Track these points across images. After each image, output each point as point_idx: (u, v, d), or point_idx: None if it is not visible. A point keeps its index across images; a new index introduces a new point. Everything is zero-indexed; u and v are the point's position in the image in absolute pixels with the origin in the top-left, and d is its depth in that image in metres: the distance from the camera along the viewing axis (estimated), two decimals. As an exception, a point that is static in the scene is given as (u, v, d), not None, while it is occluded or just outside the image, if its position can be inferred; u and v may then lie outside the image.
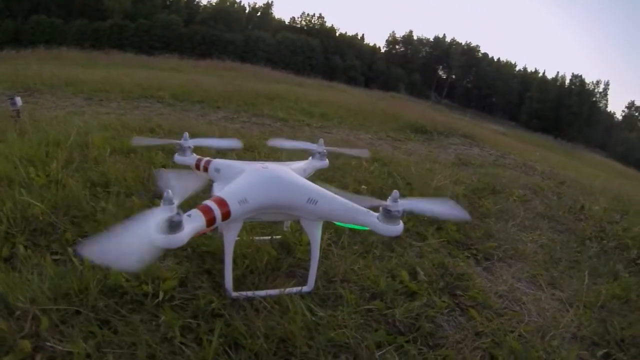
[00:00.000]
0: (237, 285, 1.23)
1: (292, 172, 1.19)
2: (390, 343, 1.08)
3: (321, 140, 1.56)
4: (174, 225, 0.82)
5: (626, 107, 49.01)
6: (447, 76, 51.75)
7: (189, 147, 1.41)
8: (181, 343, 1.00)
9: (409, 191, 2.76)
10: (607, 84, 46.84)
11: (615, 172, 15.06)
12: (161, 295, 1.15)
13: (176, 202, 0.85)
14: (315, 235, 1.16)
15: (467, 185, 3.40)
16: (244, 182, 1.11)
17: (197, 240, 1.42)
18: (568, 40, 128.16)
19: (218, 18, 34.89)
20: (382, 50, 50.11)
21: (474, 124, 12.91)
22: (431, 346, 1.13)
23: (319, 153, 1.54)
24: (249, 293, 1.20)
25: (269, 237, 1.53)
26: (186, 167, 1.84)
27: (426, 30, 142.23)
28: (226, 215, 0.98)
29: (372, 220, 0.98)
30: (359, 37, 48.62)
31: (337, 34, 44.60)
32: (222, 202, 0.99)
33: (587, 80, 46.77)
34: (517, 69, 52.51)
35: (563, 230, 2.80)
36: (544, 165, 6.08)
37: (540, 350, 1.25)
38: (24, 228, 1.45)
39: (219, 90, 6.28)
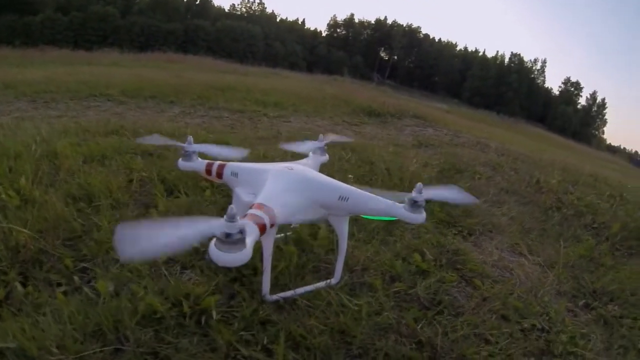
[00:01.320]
0: (270, 288, 1.25)
1: (317, 172, 1.30)
2: (423, 318, 1.27)
3: (321, 136, 1.64)
4: (239, 242, 0.80)
5: (562, 82, 53.62)
6: (389, 57, 53.52)
7: (194, 151, 1.36)
8: (246, 357, 1.03)
9: (388, 177, 2.97)
10: (544, 62, 51.99)
11: (556, 144, 16.58)
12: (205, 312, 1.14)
13: (239, 218, 0.83)
14: (343, 230, 1.25)
15: (434, 167, 3.69)
16: (278, 186, 1.12)
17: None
18: (507, 21, 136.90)
19: (156, 8, 33.43)
20: (324, 35, 51.16)
21: (419, 103, 13.57)
22: (455, 315, 1.34)
23: (320, 148, 1.60)
24: (288, 293, 1.24)
25: (282, 235, 1.59)
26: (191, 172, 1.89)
27: (367, 13, 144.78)
28: (273, 221, 0.99)
29: (400, 211, 1.10)
30: (300, 22, 49.47)
31: (277, 20, 44.95)
32: (267, 209, 0.99)
33: (526, 59, 51.07)
34: (458, 48, 55.48)
35: (527, 202, 3.17)
36: (496, 142, 6.63)
37: (537, 306, 1.51)
38: (13, 261, 1.29)
39: (170, 84, 6.13)
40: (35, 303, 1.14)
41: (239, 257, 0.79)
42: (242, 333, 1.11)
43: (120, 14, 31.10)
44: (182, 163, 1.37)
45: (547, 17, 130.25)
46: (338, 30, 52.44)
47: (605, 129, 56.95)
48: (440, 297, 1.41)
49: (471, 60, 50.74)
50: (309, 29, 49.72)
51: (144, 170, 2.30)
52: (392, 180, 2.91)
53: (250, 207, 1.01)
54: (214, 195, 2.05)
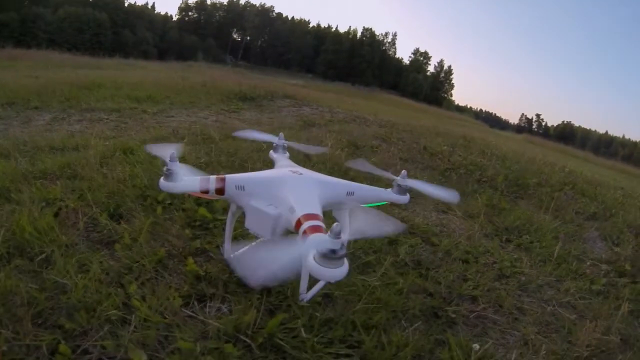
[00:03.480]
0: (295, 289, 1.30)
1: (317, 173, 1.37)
2: (420, 276, 1.61)
3: (281, 134, 1.69)
4: (342, 257, 0.83)
5: (412, 53, 61.90)
6: (242, 38, 53.73)
7: (177, 170, 1.14)
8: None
9: (309, 162, 3.24)
10: (395, 35, 58.94)
11: (412, 108, 18.97)
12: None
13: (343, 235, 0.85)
14: (346, 222, 1.32)
15: (339, 147, 4.08)
16: (303, 192, 1.16)
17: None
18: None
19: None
20: (175, 19, 49.75)
21: (285, 82, 14.12)
22: (436, 268, 1.71)
23: (282, 146, 1.66)
24: (315, 289, 1.30)
25: None
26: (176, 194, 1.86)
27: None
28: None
29: (391, 195, 1.36)
30: (150, 7, 47.26)
31: (125, 5, 41.59)
32: (319, 216, 1.05)
33: (377, 32, 57.25)
34: (311, 25, 58.44)
35: (425, 168, 3.81)
36: (371, 115, 7.43)
37: (479, 247, 2.00)
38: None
39: (27, 87, 5.31)
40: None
41: (343, 271, 0.83)
42: (325, 338, 1.16)
43: None
44: (165, 184, 1.13)
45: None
46: (190, 13, 51.41)
47: (453, 91, 67.18)
48: (418, 258, 1.77)
49: (324, 36, 54.05)
50: (159, 14, 48.10)
51: (66, 199, 2.06)
52: (311, 161, 3.15)
53: (300, 220, 1.03)
54: (167, 212, 2.02)
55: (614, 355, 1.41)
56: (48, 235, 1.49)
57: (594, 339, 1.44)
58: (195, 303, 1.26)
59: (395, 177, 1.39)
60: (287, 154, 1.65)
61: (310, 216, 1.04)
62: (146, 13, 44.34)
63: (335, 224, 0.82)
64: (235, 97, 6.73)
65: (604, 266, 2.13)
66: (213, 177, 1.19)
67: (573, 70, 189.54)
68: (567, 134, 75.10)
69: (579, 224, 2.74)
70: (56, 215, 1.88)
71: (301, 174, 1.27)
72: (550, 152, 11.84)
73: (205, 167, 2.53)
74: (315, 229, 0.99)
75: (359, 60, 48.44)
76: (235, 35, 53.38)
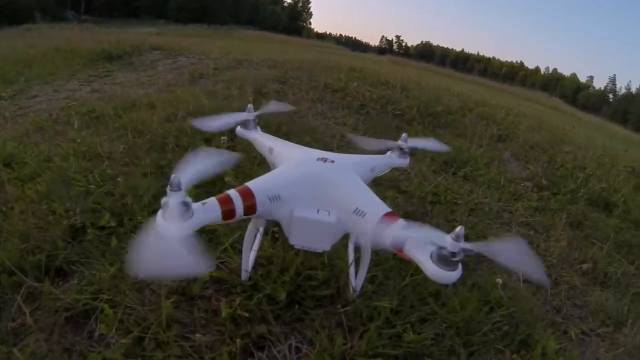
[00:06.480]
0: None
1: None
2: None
3: (250, 106, 1.49)
4: (460, 261, 0.83)
5: None
6: (82, -9, 45.55)
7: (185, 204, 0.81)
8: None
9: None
10: None
11: (276, 41, 18.69)
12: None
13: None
14: None
15: (244, 97, 3.92)
16: (352, 186, 1.11)
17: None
18: None
19: None
20: None
21: (129, 32, 12.68)
22: (423, 221, 1.91)
23: (254, 120, 1.47)
24: (361, 277, 1.21)
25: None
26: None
27: None
28: None
29: (394, 160, 1.37)
30: None
31: None
32: (395, 215, 1.01)
33: None
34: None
35: (339, 107, 3.93)
36: (254, 56, 7.18)
37: (439, 185, 2.26)
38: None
39: None
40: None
41: (459, 273, 0.83)
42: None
43: None
44: (168, 226, 0.82)
45: None
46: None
47: (312, 20, 67.45)
48: (404, 211, 1.93)
49: (172, -21, 48.46)
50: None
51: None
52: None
53: (380, 222, 0.96)
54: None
55: (573, 255, 1.80)
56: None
57: (555, 249, 1.81)
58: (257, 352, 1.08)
59: (393, 143, 1.40)
60: (259, 128, 1.45)
61: (389, 217, 0.96)
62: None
63: (460, 226, 0.80)
64: (99, 59, 5.84)
65: (527, 183, 2.60)
66: (234, 192, 0.93)
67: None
68: (426, 53, 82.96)
69: (494, 147, 3.22)
70: None
71: (332, 161, 1.14)
72: (416, 71, 13.02)
73: (133, 160, 2.03)
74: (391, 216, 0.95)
75: (212, 1, 45.65)
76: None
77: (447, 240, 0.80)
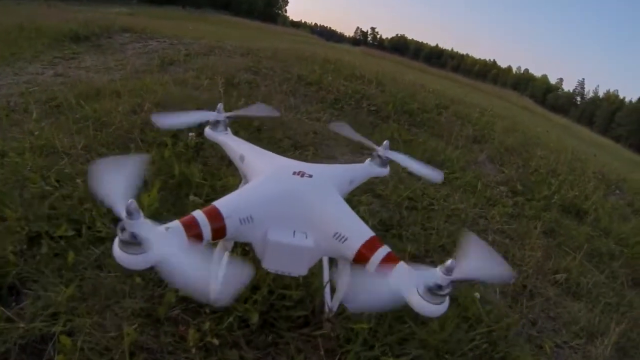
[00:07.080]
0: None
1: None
2: (396, 234, 1.73)
3: (220, 105, 1.36)
4: (444, 295, 0.80)
5: None
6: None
7: (145, 231, 0.70)
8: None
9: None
10: None
11: (250, 27, 18.34)
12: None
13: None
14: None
15: (216, 88, 3.78)
16: (331, 204, 1.06)
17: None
18: None
19: None
20: None
21: (99, 10, 12.14)
22: (401, 227, 1.86)
23: (224, 122, 1.35)
24: (338, 298, 1.18)
25: None
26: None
27: None
28: None
29: (374, 169, 1.30)
30: None
31: None
32: (377, 240, 0.97)
33: None
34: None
35: (313, 101, 3.85)
36: (217, 40, 6.96)
37: (415, 189, 2.22)
38: None
39: None
40: None
41: (444, 307, 0.79)
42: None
43: None
44: (130, 259, 0.70)
45: None
46: None
47: (287, 8, 66.62)
48: (381, 218, 1.88)
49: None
50: None
51: None
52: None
53: (361, 251, 0.90)
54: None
55: (548, 265, 1.80)
56: None
57: (531, 260, 1.81)
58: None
59: (375, 147, 1.33)
60: (229, 130, 1.34)
61: (372, 243, 0.90)
62: None
63: (450, 260, 0.76)
64: (66, 39, 5.47)
65: (502, 188, 2.60)
66: (199, 213, 0.83)
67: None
68: (401, 46, 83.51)
69: (469, 148, 3.22)
70: None
71: (310, 175, 1.04)
72: (390, 64, 13.05)
73: (95, 157, 1.87)
74: (392, 259, 0.88)
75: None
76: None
77: (438, 275, 0.77)
